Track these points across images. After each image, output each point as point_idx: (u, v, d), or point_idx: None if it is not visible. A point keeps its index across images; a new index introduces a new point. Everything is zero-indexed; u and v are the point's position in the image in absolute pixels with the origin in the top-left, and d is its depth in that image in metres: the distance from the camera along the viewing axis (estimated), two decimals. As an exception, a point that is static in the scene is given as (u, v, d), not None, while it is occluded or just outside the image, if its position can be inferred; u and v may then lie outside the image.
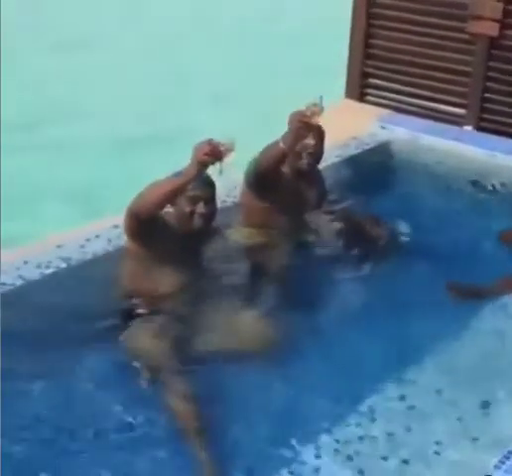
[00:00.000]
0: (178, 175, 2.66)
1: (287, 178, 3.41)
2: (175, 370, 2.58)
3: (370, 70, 5.16)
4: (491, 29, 4.54)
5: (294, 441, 2.39)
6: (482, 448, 2.31)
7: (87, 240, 3.36)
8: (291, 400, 2.58)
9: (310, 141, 3.38)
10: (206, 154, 2.55)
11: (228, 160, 2.63)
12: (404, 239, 3.67)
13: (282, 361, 2.71)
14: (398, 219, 3.79)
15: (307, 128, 3.16)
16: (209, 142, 2.56)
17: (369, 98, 5.20)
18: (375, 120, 4.86)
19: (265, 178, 3.27)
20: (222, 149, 2.59)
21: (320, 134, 3.41)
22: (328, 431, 2.43)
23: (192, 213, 2.82)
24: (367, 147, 4.58)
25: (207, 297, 2.96)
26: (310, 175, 3.50)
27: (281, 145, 3.12)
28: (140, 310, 2.83)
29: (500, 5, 4.48)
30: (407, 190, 4.28)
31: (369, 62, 5.14)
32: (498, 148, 4.46)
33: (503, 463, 2.16)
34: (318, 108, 2.97)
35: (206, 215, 2.85)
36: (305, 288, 3.25)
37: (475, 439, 2.37)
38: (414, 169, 4.49)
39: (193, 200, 2.81)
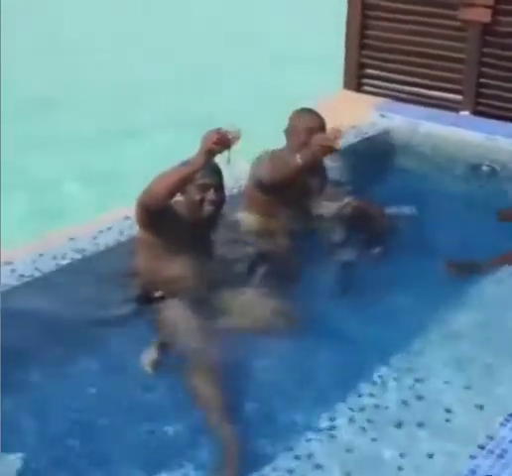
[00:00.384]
0: (185, 164, 2.73)
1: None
2: (203, 348, 2.67)
3: (367, 61, 5.25)
4: (484, 15, 4.63)
5: (310, 410, 2.50)
6: (489, 412, 2.41)
7: (100, 232, 3.47)
8: (306, 373, 2.70)
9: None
10: (215, 142, 2.64)
11: (235, 148, 2.71)
12: (407, 222, 3.79)
13: (295, 338, 2.81)
14: (400, 203, 3.92)
15: (328, 152, 3.22)
16: (218, 131, 2.65)
17: (367, 88, 5.29)
18: (373, 109, 4.95)
19: (276, 188, 3.33)
20: (230, 137, 2.67)
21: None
22: (344, 401, 2.54)
23: (202, 201, 2.91)
24: (366, 135, 4.68)
25: (221, 282, 3.06)
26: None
27: (298, 161, 3.16)
28: (158, 295, 2.94)
29: (492, -9, 4.59)
30: (408, 175, 4.38)
31: (365, 53, 5.24)
32: (495, 131, 4.54)
33: (508, 421, 2.25)
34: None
35: (216, 202, 2.93)
36: (313, 270, 3.36)
37: (481, 405, 2.47)
38: (413, 154, 4.59)
39: (203, 188, 2.89)
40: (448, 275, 3.38)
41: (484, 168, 4.38)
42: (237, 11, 9.75)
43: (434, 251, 3.53)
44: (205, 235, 3.09)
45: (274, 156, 3.39)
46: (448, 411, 2.49)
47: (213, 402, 2.48)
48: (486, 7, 4.61)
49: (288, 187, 3.33)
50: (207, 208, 2.92)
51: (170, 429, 2.47)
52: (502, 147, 4.40)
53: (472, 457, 2.15)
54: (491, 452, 2.17)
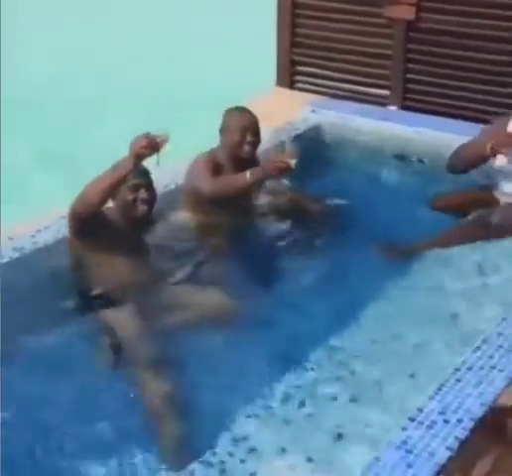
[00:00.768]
0: (115, 168, 2.81)
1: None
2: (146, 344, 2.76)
3: (298, 58, 5.37)
4: (408, 12, 4.79)
5: (253, 390, 2.65)
6: (418, 384, 2.55)
7: (38, 231, 3.48)
8: (242, 358, 2.81)
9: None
10: (143, 146, 2.73)
11: (164, 150, 2.81)
12: (340, 211, 3.93)
13: (239, 326, 2.94)
14: (333, 195, 4.06)
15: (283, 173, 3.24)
16: (146, 135, 2.75)
17: (299, 85, 5.41)
18: (305, 105, 5.08)
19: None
20: (159, 141, 2.77)
21: None
22: (279, 382, 2.69)
23: (134, 201, 3.00)
24: (299, 131, 4.80)
25: (159, 279, 3.15)
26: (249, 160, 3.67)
27: (248, 180, 3.21)
28: (97, 293, 3.00)
29: (415, -10, 4.76)
30: (339, 167, 4.54)
31: (297, 51, 5.35)
32: (421, 124, 4.72)
33: (437, 394, 2.39)
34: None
35: (149, 201, 3.04)
36: (252, 261, 3.46)
37: (412, 376, 2.63)
38: (345, 148, 4.73)
39: (135, 188, 3.00)
40: (381, 258, 3.54)
41: (412, 159, 4.55)
42: (167, 10, 9.79)
43: (367, 238, 3.68)
44: (141, 234, 3.17)
45: (214, 163, 3.43)
46: (378, 383, 2.63)
47: (159, 394, 2.57)
48: (410, 4, 4.78)
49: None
50: (141, 208, 3.02)
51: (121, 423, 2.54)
52: (428, 139, 4.57)
53: (404, 429, 2.27)
54: (421, 424, 2.29)
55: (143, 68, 7.68)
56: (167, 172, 3.48)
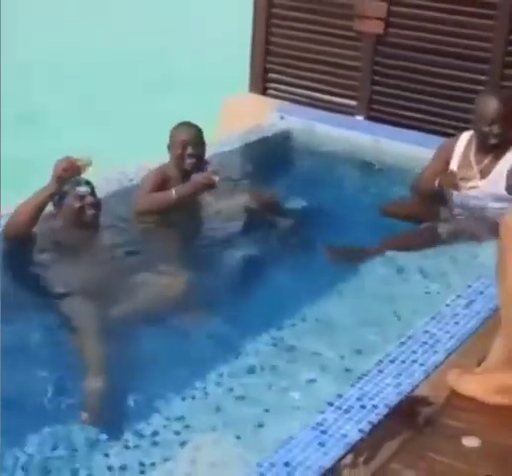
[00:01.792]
0: (39, 191, 3.15)
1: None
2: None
3: (271, 66, 5.54)
4: (377, 27, 4.98)
5: (190, 377, 2.75)
6: (346, 376, 2.69)
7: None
8: (181, 345, 2.96)
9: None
10: (65, 169, 3.07)
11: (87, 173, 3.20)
12: (297, 212, 4.08)
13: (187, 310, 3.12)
14: (293, 195, 4.22)
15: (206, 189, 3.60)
16: (67, 159, 3.08)
17: (271, 92, 5.57)
18: (275, 111, 5.25)
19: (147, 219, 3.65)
20: (80, 164, 3.10)
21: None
22: (215, 368, 2.79)
23: (82, 207, 3.27)
24: (267, 134, 4.98)
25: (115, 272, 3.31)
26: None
27: (173, 196, 3.54)
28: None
29: (384, 5, 4.93)
30: (302, 172, 4.70)
31: (270, 59, 5.52)
32: (385, 135, 4.91)
33: (358, 382, 2.56)
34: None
35: (95, 205, 3.32)
36: (205, 255, 3.62)
37: (349, 370, 2.74)
38: (310, 153, 4.91)
39: (80, 197, 3.26)
40: (328, 259, 3.68)
41: (373, 167, 4.72)
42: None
43: (320, 238, 3.83)
44: (92, 235, 3.41)
45: (162, 178, 3.70)
46: (311, 373, 2.77)
47: (92, 353, 2.76)
48: (379, 19, 4.96)
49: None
50: (89, 212, 3.30)
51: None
52: (389, 149, 4.75)
53: (321, 412, 2.42)
54: (339, 408, 2.44)
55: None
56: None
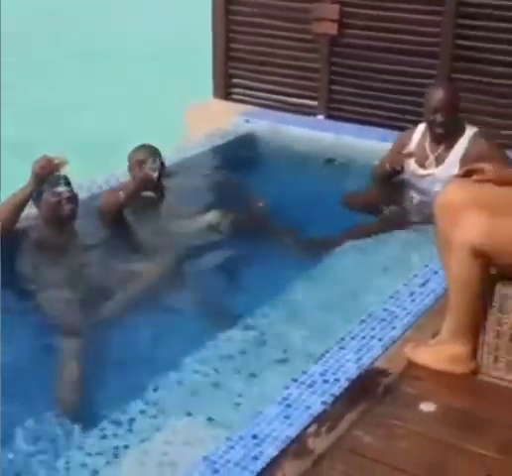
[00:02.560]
0: (19, 190, 3.33)
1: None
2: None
3: (233, 71, 5.72)
4: (331, 28, 5.17)
5: (166, 362, 2.91)
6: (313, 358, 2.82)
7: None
8: (157, 336, 3.11)
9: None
10: (42, 167, 3.25)
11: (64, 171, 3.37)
12: (267, 209, 4.24)
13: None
14: (261, 193, 4.38)
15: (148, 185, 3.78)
16: (44, 157, 3.26)
17: (235, 97, 5.75)
18: (239, 115, 5.42)
19: (107, 219, 3.82)
20: (57, 162, 3.29)
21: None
22: (190, 355, 2.95)
23: (59, 202, 3.38)
24: (232, 137, 5.14)
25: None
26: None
27: (121, 196, 3.70)
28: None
29: (337, 6, 5.12)
30: (269, 170, 4.84)
31: (232, 64, 5.70)
32: (345, 132, 5.09)
33: (320, 359, 2.72)
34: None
35: (72, 199, 3.43)
36: (176, 248, 3.78)
37: (314, 349, 2.88)
38: (275, 153, 5.07)
39: (58, 193, 3.37)
40: (296, 251, 3.85)
41: (336, 163, 4.90)
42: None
43: (286, 233, 4.00)
44: (70, 228, 3.54)
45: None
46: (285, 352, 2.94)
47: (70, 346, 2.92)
48: (333, 21, 5.15)
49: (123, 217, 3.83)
50: (67, 206, 3.40)
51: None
52: (350, 145, 4.93)
53: (286, 388, 2.57)
54: (303, 383, 2.59)
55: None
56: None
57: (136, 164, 3.83)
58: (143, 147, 3.91)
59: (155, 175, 3.71)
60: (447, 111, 3.82)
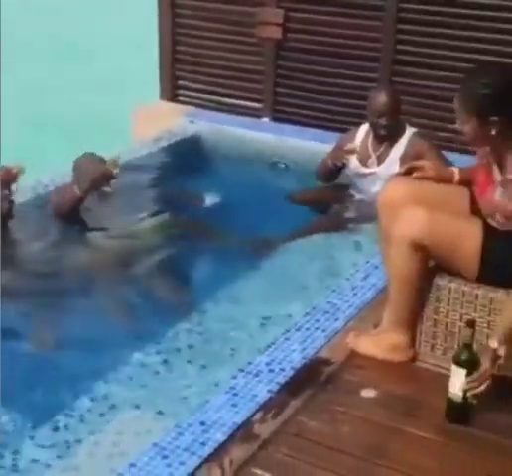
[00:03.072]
0: None
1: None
2: None
3: (179, 74, 5.78)
4: (275, 32, 5.28)
5: (114, 357, 2.96)
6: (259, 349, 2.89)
7: None
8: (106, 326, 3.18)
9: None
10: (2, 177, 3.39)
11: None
12: (214, 207, 4.33)
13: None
14: (208, 192, 4.47)
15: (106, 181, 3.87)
16: (4, 167, 3.40)
17: (181, 98, 5.81)
18: (185, 117, 5.48)
19: (64, 218, 3.89)
20: (14, 171, 3.45)
21: None
22: (140, 350, 3.00)
23: None
24: (178, 138, 5.20)
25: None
26: None
27: (76, 192, 3.78)
28: None
29: (281, 11, 5.23)
30: (214, 171, 4.94)
31: (178, 67, 5.76)
32: (289, 134, 5.20)
33: (266, 350, 2.81)
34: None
35: (8, 198, 3.52)
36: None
37: (260, 341, 2.95)
38: (220, 154, 5.15)
39: None
40: (244, 251, 3.93)
41: (280, 164, 5.00)
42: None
43: (235, 229, 4.07)
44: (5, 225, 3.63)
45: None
46: (230, 348, 2.99)
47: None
48: (277, 25, 5.26)
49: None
50: (4, 204, 3.51)
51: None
52: (294, 146, 5.04)
53: (233, 377, 2.65)
54: (249, 373, 2.67)
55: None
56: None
57: (90, 163, 3.86)
58: (91, 154, 3.95)
59: (116, 170, 3.80)
60: (390, 114, 3.97)
